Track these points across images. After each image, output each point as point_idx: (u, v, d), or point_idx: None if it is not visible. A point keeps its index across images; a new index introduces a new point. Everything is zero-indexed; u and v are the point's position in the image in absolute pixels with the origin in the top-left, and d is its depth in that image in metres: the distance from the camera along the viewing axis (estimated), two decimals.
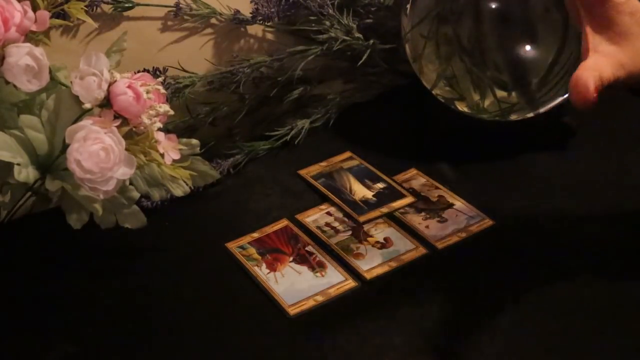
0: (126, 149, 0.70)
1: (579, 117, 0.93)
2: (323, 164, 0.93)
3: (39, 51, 0.69)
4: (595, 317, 0.69)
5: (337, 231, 0.83)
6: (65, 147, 0.69)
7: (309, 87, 1.02)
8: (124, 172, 0.70)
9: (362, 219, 0.84)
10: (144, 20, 0.92)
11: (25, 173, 0.70)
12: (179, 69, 0.94)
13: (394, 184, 0.88)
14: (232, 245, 0.81)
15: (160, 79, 0.76)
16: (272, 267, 0.78)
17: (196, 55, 0.97)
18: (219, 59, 0.98)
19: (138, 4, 0.90)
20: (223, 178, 0.91)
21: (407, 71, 0.97)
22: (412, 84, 0.95)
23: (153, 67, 0.92)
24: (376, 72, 1.05)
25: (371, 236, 0.81)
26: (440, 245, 0.79)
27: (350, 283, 0.76)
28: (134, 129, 0.71)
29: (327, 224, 0.84)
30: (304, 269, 0.78)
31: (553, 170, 0.89)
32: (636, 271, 0.71)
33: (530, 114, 0.88)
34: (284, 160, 0.95)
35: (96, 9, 0.88)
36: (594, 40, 0.63)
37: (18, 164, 0.70)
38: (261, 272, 0.77)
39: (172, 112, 0.73)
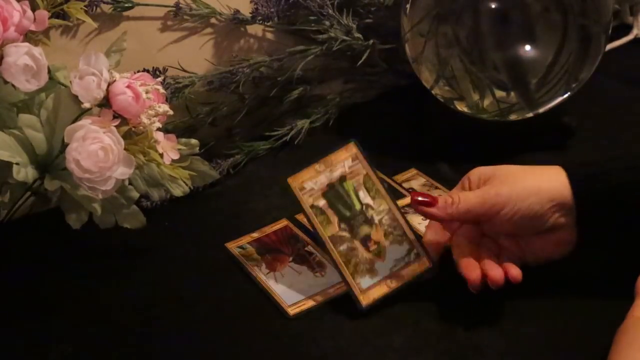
0: (125, 149, 0.70)
1: (578, 117, 0.93)
2: None
3: (37, 51, 0.69)
4: (597, 316, 0.69)
5: None
6: (64, 146, 0.69)
7: (308, 87, 1.02)
8: (122, 171, 0.70)
9: None
10: (143, 20, 0.92)
11: (24, 172, 0.70)
12: (178, 69, 0.94)
13: (394, 184, 0.88)
14: (232, 245, 0.81)
15: (159, 79, 0.76)
16: (271, 267, 0.78)
17: (196, 55, 0.97)
18: (219, 59, 0.98)
19: (138, 4, 0.90)
20: (223, 178, 0.91)
21: (407, 71, 0.97)
22: (412, 84, 0.95)
23: (153, 67, 0.92)
24: (376, 72, 1.05)
25: None
26: None
27: None
28: (133, 128, 0.71)
29: None
30: (303, 269, 0.78)
31: None
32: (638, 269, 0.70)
33: (530, 114, 0.88)
34: (283, 160, 0.95)
35: (96, 9, 0.88)
36: None
37: (17, 164, 0.70)
38: (261, 272, 0.77)
39: (171, 112, 0.74)
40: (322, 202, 0.73)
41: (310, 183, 0.74)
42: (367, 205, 0.74)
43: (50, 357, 0.70)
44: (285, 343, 0.70)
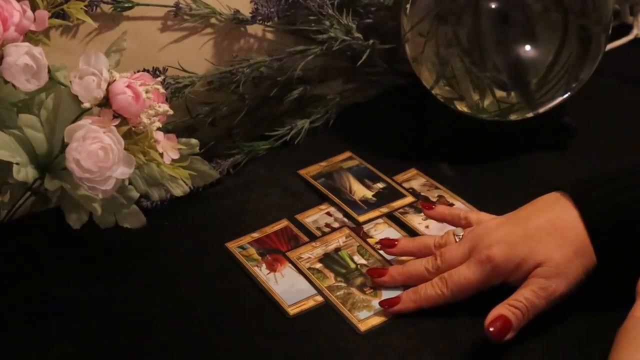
0: (125, 149, 0.70)
1: (578, 117, 0.93)
2: (323, 163, 0.93)
3: (37, 51, 0.69)
4: (597, 316, 0.69)
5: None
6: (64, 146, 0.69)
7: (308, 87, 1.02)
8: (122, 171, 0.70)
9: (361, 219, 0.83)
10: (143, 20, 0.92)
11: (24, 172, 0.70)
12: (178, 69, 0.94)
13: (393, 183, 0.88)
14: (232, 245, 0.81)
15: (159, 79, 0.75)
16: (271, 268, 0.78)
17: (196, 55, 0.97)
18: (219, 58, 0.98)
19: (138, 4, 0.90)
20: (223, 178, 0.91)
21: (407, 71, 0.97)
22: (412, 84, 0.95)
23: (153, 67, 0.92)
24: (376, 72, 1.05)
25: (371, 237, 0.81)
26: None
27: None
28: (133, 128, 0.71)
29: (327, 225, 0.83)
30: None
31: (553, 170, 0.89)
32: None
33: (530, 114, 0.88)
34: (284, 160, 0.95)
35: (96, 8, 0.88)
36: None
37: (17, 164, 0.70)
38: (261, 272, 0.77)
39: (171, 112, 0.73)
40: (318, 265, 0.78)
41: (307, 254, 0.79)
42: (362, 265, 0.77)
43: (51, 356, 0.70)
44: (285, 343, 0.70)
